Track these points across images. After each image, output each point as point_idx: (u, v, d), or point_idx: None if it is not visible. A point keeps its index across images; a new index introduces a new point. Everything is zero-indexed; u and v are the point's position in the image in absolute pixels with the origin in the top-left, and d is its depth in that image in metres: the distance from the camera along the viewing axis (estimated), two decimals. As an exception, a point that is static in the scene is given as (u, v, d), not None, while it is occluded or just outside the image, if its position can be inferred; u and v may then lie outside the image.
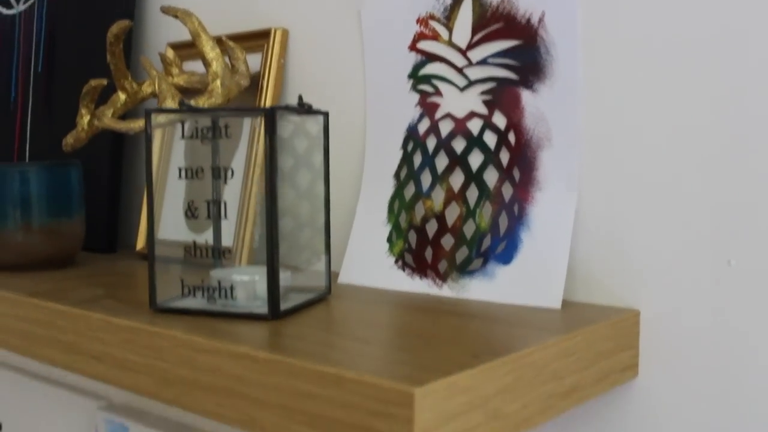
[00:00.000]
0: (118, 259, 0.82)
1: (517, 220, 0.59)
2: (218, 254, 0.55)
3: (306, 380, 0.44)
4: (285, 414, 0.45)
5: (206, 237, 0.56)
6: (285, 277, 0.57)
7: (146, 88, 0.76)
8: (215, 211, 0.55)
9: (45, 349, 0.60)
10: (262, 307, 0.54)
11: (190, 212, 0.55)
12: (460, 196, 0.61)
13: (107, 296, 0.62)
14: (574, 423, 0.59)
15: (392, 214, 0.65)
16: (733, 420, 0.53)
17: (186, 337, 0.50)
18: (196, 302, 0.56)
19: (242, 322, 0.53)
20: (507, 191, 0.60)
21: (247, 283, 0.55)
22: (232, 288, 0.55)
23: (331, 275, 0.63)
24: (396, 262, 0.63)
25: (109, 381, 0.55)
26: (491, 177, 0.60)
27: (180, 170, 0.55)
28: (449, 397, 0.41)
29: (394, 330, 0.51)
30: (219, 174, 0.54)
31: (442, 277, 0.61)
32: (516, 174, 0.59)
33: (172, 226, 0.63)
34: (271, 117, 0.52)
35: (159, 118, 0.61)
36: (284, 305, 0.55)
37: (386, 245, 0.64)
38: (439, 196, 0.62)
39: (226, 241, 0.58)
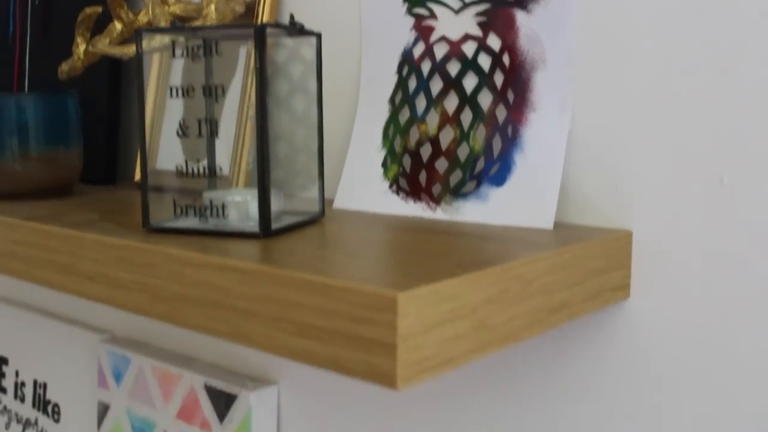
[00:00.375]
0: (116, 190, 0.82)
1: (511, 141, 0.58)
2: (212, 173, 0.55)
3: (293, 290, 0.44)
4: (272, 324, 0.45)
5: (201, 161, 0.56)
6: (278, 201, 0.57)
7: (142, 18, 0.75)
8: (207, 129, 0.55)
9: (41, 271, 0.61)
10: (254, 227, 0.54)
11: (182, 131, 0.55)
12: (455, 120, 0.61)
13: (102, 220, 0.62)
14: (564, 341, 0.60)
15: (387, 139, 0.64)
16: (725, 342, 0.53)
17: (177, 253, 0.50)
18: (189, 222, 0.56)
19: (233, 240, 0.53)
20: (501, 113, 0.59)
21: (240, 203, 0.55)
22: (223, 207, 0.55)
23: (324, 199, 0.63)
24: (390, 186, 0.63)
25: (103, 300, 0.56)
26: (485, 99, 0.60)
27: (171, 89, 0.55)
28: (433, 304, 0.41)
29: (383, 246, 0.51)
30: (210, 92, 0.54)
31: (436, 201, 0.61)
32: (510, 96, 0.59)
33: (170, 157, 0.63)
34: (260, 33, 0.51)
35: (152, 41, 0.61)
36: (276, 225, 0.55)
37: (381, 170, 0.64)
38: (433, 119, 0.62)
39: (223, 167, 0.58)
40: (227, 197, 0.55)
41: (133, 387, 0.87)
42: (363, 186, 0.65)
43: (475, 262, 0.46)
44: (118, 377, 0.89)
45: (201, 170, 0.54)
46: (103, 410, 0.90)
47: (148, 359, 0.86)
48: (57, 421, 0.99)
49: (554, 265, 0.49)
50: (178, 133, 0.54)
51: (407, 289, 0.40)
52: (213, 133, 0.55)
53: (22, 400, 1.04)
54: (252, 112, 0.68)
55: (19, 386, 1.05)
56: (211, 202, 0.55)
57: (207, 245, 0.51)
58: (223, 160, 0.58)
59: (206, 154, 0.56)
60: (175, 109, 0.59)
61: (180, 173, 0.55)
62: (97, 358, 0.93)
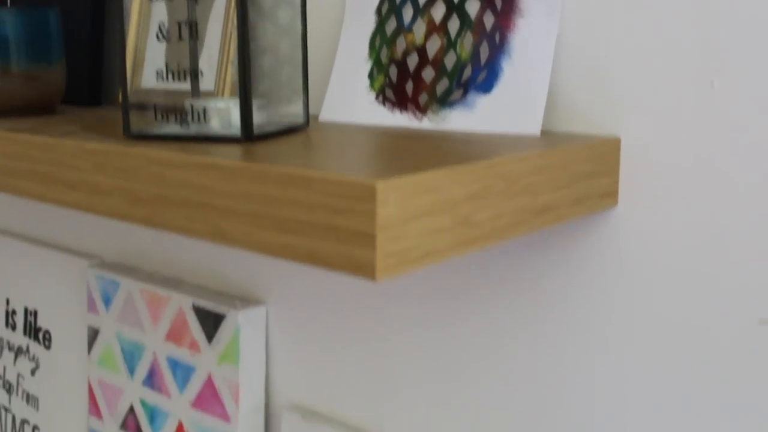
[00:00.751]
0: (100, 110, 0.81)
1: (498, 48, 0.57)
2: (194, 76, 0.54)
3: (272, 185, 0.43)
4: (252, 221, 0.45)
5: (182, 65, 0.55)
6: (261, 113, 0.56)
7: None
8: (188, 32, 0.53)
9: (22, 182, 0.60)
10: (236, 132, 0.53)
11: (162, 35, 0.53)
12: (442, 28, 0.60)
13: (83, 131, 0.61)
14: (551, 246, 0.59)
15: (373, 50, 0.63)
16: (712, 251, 0.53)
17: (156, 154, 0.49)
18: (170, 128, 0.55)
19: (215, 145, 0.52)
20: (488, 20, 0.58)
21: (222, 109, 0.55)
22: (205, 112, 0.54)
23: (309, 111, 0.62)
24: (376, 97, 0.62)
25: (84, 207, 0.55)
26: (473, 7, 0.58)
27: (150, -9, 0.53)
28: (414, 195, 0.41)
29: (366, 148, 0.50)
30: (189, -7, 0.53)
31: (422, 110, 0.60)
32: (497, 2, 0.57)
33: (155, 74, 0.62)
34: (240, -70, 0.50)
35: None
36: (258, 131, 0.54)
37: (367, 81, 0.63)
38: (420, 29, 0.61)
39: (207, 76, 0.57)
40: (209, 103, 0.54)
41: (122, 311, 0.87)
42: (349, 98, 0.64)
43: (459, 159, 0.45)
44: (107, 301, 0.89)
45: (182, 74, 0.53)
46: (93, 335, 0.90)
47: (136, 283, 0.85)
48: (48, 347, 0.99)
49: (540, 166, 0.48)
50: (158, 36, 0.53)
51: (387, 178, 0.39)
52: (194, 36, 0.53)
53: (14, 328, 1.04)
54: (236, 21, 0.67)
55: (10, 314, 1.05)
56: (192, 107, 0.54)
57: (188, 148, 0.51)
58: (207, 72, 0.56)
59: (188, 58, 0.55)
60: (158, 16, 0.58)
61: (160, 77, 0.53)
62: (86, 283, 0.93)
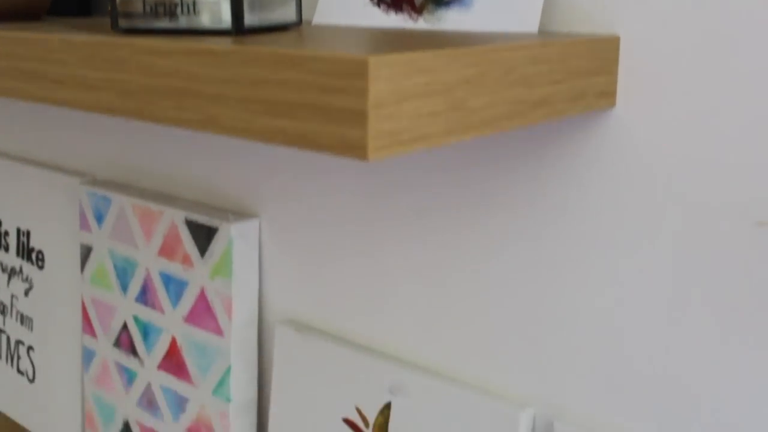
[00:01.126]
0: (90, 19, 0.79)
1: (497, -57, 0.56)
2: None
3: (262, 67, 0.42)
4: (242, 106, 0.44)
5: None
6: (253, 11, 0.55)
7: None
8: None
9: (8, 81, 0.59)
10: (226, 25, 0.52)
11: None
12: (439, -76, 0.58)
13: (69, 29, 0.60)
14: (548, 143, 0.59)
15: (368, -51, 0.62)
16: (711, 153, 0.52)
17: (144, 43, 0.48)
18: (160, 23, 0.54)
19: (205, 38, 0.51)
20: None
21: (212, 2, 0.53)
22: (194, 4, 0.52)
23: (301, 10, 0.61)
24: (371, -2, 0.61)
25: (71, 104, 0.54)
26: None
27: None
28: (407, 75, 0.40)
29: (359, 39, 0.49)
30: None
31: (418, 11, 0.58)
32: None
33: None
34: None
35: None
36: (249, 25, 0.53)
37: (361, -18, 0.62)
38: (416, -74, 0.59)
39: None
40: (199, -3, 0.53)
41: (114, 227, 0.86)
42: (343, 0, 0.62)
43: (455, 45, 0.44)
44: (99, 218, 0.88)
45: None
46: (86, 253, 0.90)
47: (128, 198, 0.85)
48: (41, 267, 0.98)
49: (537, 57, 0.47)
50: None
51: (380, 54, 0.38)
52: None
53: (6, 249, 1.04)
54: None
55: (2, 236, 1.04)
56: (182, 0, 0.52)
57: (177, 39, 0.49)
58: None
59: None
60: None
61: (148, -33, 0.52)
62: (78, 201, 0.92)
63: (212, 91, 0.45)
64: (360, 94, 0.38)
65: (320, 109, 0.40)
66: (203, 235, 0.77)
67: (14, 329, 1.04)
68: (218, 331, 0.78)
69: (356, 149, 0.39)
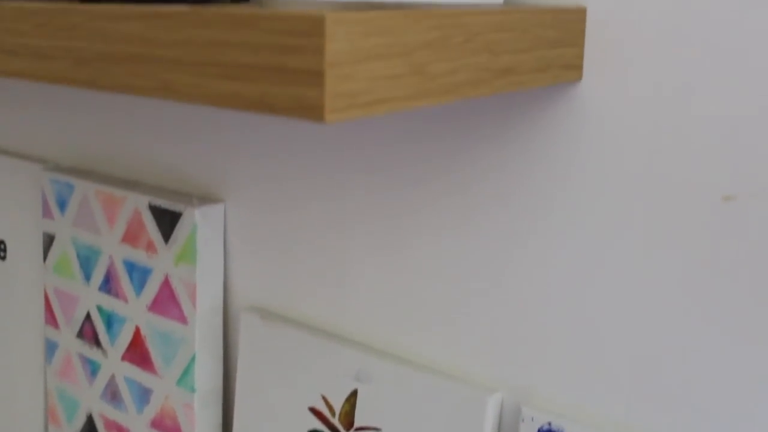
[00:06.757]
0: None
1: None
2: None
3: (217, 29, 0.41)
4: (197, 71, 0.42)
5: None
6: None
7: None
8: None
9: (-37, 54, 0.57)
10: (185, -5, 0.51)
11: None
12: None
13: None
14: (513, 115, 0.58)
15: (333, -77, 0.61)
16: (677, 127, 0.51)
17: (98, 9, 0.47)
18: (117, -8, 0.53)
19: (162, 4, 0.50)
20: None
21: (171, -28, 0.52)
22: (152, -28, 0.51)
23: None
24: (336, -28, 0.60)
25: (26, 75, 0.52)
26: None
27: None
28: (366, 34, 0.39)
29: (318, 4, 0.48)
30: None
31: (383, -16, 0.57)
32: None
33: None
34: None
35: None
36: (210, -5, 0.52)
37: (326, -44, 0.60)
38: None
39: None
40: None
41: (77, 214, 0.84)
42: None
43: (416, 8, 0.43)
44: (62, 206, 0.86)
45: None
46: (49, 241, 0.88)
47: (91, 184, 0.83)
48: (3, 258, 0.96)
49: (501, 24, 0.46)
50: None
51: (337, 12, 0.37)
52: None
53: (-32, 240, 1.01)
54: None
55: (-36, 227, 1.02)
56: (139, -33, 0.51)
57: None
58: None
59: None
60: None
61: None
62: (41, 187, 0.90)
63: (168, 55, 0.44)
64: (316, 53, 0.37)
65: (276, 70, 0.39)
66: (167, 221, 0.76)
67: (-24, 322, 1.02)
68: (182, 320, 0.76)
69: (313, 110, 0.38)
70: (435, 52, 0.42)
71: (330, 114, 0.38)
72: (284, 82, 0.39)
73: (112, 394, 0.84)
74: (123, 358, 0.82)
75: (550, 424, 0.58)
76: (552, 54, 0.51)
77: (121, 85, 0.47)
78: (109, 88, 0.47)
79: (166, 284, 0.77)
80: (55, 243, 0.87)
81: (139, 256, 0.79)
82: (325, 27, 0.37)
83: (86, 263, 0.84)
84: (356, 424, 0.68)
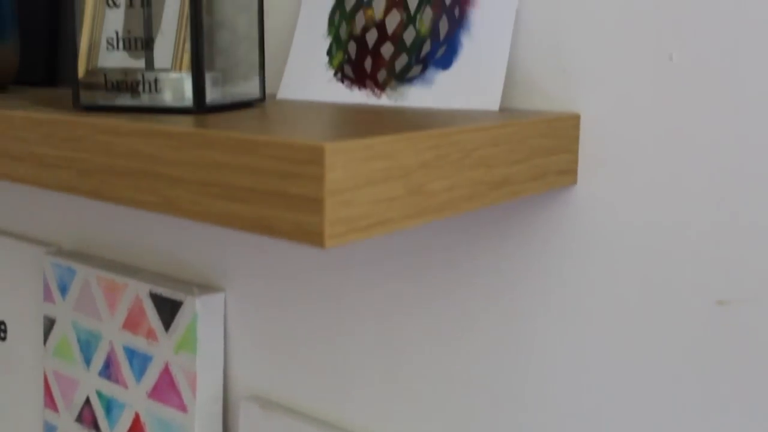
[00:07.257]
0: (56, 90, 0.79)
1: (458, 23, 0.56)
2: (147, 46, 0.52)
3: (219, 151, 0.42)
4: (199, 190, 0.43)
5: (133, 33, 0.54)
6: (216, 89, 0.55)
7: None
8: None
9: (-31, 157, 0.58)
10: (188, 103, 0.52)
11: (112, 1, 0.52)
12: (401, 3, 0.59)
13: (33, 105, 0.60)
14: (509, 224, 0.58)
15: (333, 26, 0.62)
16: (672, 231, 0.52)
17: (103, 123, 0.48)
18: (122, 100, 0.54)
19: (166, 116, 0.51)
20: (449, -5, 0.57)
21: (175, 80, 0.53)
22: (156, 82, 0.52)
23: (265, 86, 0.61)
24: (335, 74, 0.61)
25: (31, 181, 0.53)
26: (434, -18, 0.58)
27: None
28: (365, 160, 0.40)
29: (319, 119, 0.49)
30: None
31: (381, 87, 0.59)
32: (459, -23, 0.57)
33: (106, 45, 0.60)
34: None
35: None
36: (211, 103, 0.53)
37: (326, 58, 0.62)
38: (380, 4, 0.60)
39: (164, 58, 0.55)
40: (161, 74, 0.53)
41: (78, 299, 0.85)
42: (307, 75, 0.62)
43: (414, 128, 0.44)
44: (63, 290, 0.86)
45: (134, 43, 0.52)
46: (49, 324, 0.88)
47: (93, 270, 0.83)
48: (3, 339, 0.96)
49: (496, 138, 0.47)
50: (108, 3, 0.52)
51: (336, 140, 0.38)
52: (147, 3, 0.52)
53: (-32, 319, 1.01)
54: None
55: (-35, 306, 1.02)
56: (143, 76, 0.52)
57: (138, 118, 0.49)
58: (163, 47, 0.55)
59: (141, 26, 0.53)
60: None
61: (111, 46, 0.52)
62: (42, 271, 0.91)
63: (170, 173, 0.45)
64: (316, 181, 0.38)
65: (277, 194, 0.40)
66: (168, 309, 0.76)
67: (-25, 402, 1.01)
68: (182, 408, 0.76)
69: (312, 236, 0.39)
70: (432, 170, 0.43)
71: (330, 239, 0.39)
72: (284, 206, 0.40)
73: (110, 480, 0.84)
74: (122, 443, 0.82)
75: None
76: (547, 161, 0.52)
77: (124, 198, 0.47)
78: (112, 201, 0.48)
79: (166, 372, 0.77)
80: (55, 326, 0.87)
81: (140, 342, 0.79)
82: (324, 156, 0.38)
83: (87, 348, 0.84)
84: None
